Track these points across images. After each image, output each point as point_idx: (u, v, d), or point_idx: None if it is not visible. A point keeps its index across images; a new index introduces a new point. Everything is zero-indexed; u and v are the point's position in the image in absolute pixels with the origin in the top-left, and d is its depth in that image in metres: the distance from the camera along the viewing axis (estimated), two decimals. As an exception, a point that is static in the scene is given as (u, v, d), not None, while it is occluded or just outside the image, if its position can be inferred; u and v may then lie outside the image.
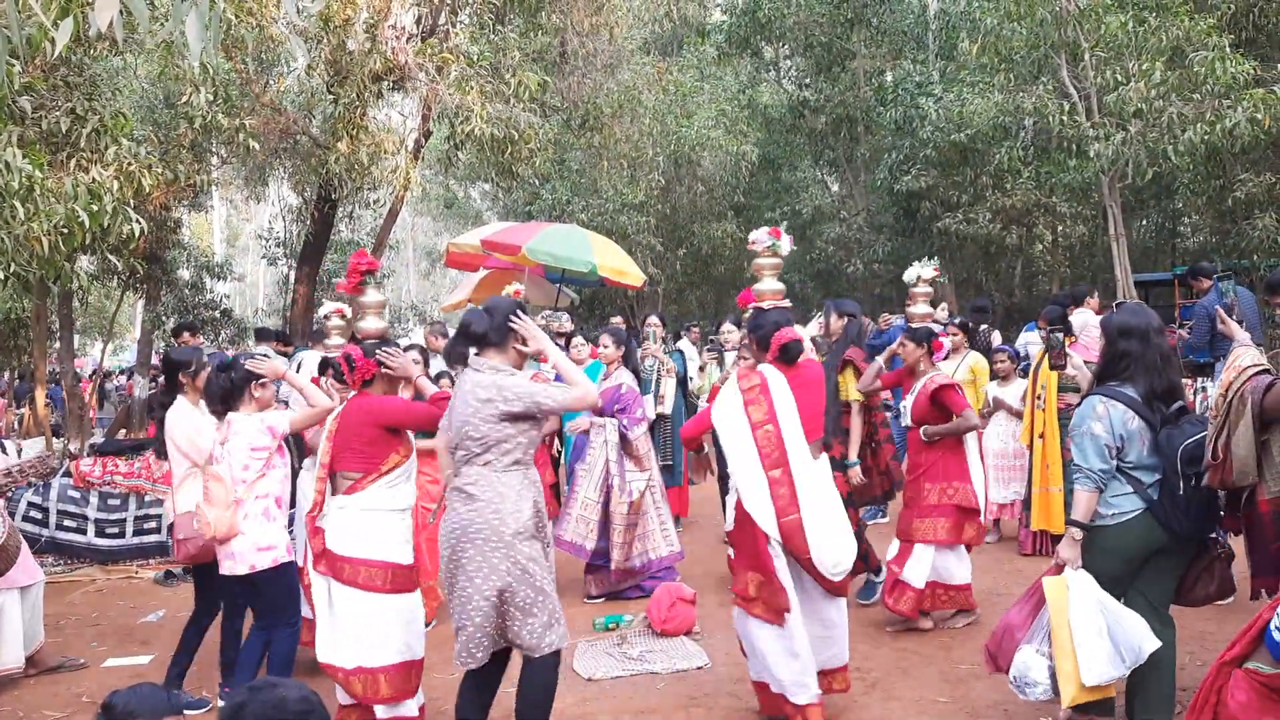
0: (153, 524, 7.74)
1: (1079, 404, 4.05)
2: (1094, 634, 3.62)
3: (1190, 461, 3.68)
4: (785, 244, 5.01)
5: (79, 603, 6.97)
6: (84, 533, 7.73)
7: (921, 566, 5.42)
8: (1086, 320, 8.80)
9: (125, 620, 6.49)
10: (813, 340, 5.61)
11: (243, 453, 4.43)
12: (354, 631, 4.08)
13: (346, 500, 4.18)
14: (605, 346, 6.67)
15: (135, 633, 6.21)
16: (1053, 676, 3.73)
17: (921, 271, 6.65)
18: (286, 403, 5.60)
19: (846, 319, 6.11)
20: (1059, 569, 3.83)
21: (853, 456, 5.81)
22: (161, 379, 5.87)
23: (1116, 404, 3.79)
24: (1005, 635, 3.96)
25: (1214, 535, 3.95)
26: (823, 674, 4.22)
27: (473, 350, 3.89)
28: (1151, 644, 3.65)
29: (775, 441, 4.09)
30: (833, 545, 4.08)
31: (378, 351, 4.34)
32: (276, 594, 4.50)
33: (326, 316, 5.99)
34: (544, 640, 3.73)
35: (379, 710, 4.13)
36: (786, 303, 5.00)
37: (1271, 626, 2.98)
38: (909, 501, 5.60)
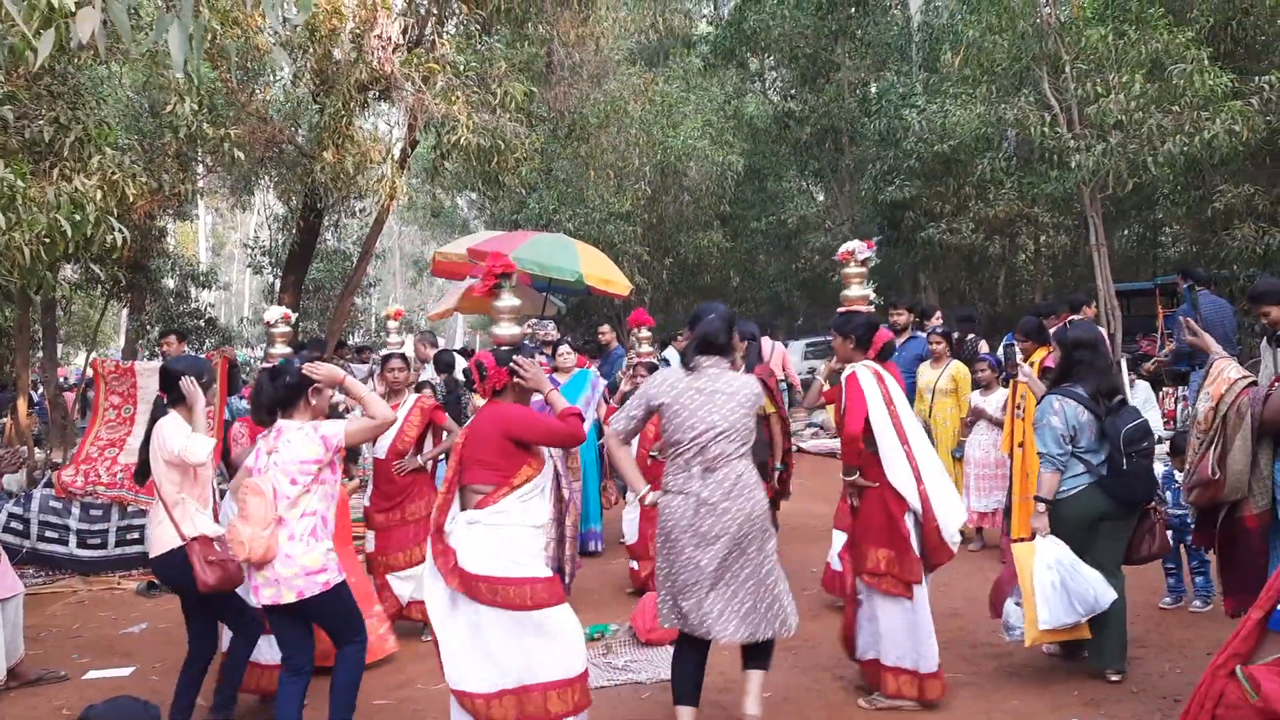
0: (135, 535, 7.69)
1: (1038, 403, 4.79)
2: (1048, 587, 4.43)
3: (1129, 442, 4.49)
4: (872, 255, 5.53)
5: (60, 614, 6.92)
6: (65, 544, 7.67)
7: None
8: None
9: (107, 632, 6.44)
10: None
11: (292, 465, 4.02)
12: (503, 651, 3.84)
13: (477, 515, 3.94)
14: (565, 355, 6.57)
15: (117, 645, 6.17)
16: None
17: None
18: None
19: (747, 342, 6.33)
20: (1031, 536, 4.66)
21: (778, 463, 6.20)
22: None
23: (1069, 401, 4.61)
24: (996, 590, 4.81)
25: (1152, 503, 4.71)
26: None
27: (701, 356, 4.14)
28: (1108, 597, 4.46)
29: (898, 424, 4.54)
30: (950, 515, 4.55)
31: (511, 360, 4.12)
32: (334, 619, 4.14)
33: (272, 323, 5.81)
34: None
35: None
36: (871, 308, 5.37)
37: None
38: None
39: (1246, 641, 2.99)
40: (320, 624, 4.17)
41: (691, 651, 4.14)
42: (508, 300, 4.79)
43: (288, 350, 5.83)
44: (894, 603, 4.50)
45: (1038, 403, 5.11)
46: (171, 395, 4.46)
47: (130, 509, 7.75)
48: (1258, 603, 3.00)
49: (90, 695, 5.08)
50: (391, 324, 7.34)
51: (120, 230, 6.36)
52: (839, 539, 5.67)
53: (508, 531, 3.92)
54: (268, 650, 4.65)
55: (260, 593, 4.00)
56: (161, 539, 4.37)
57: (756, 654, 4.19)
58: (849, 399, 4.57)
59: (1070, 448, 4.59)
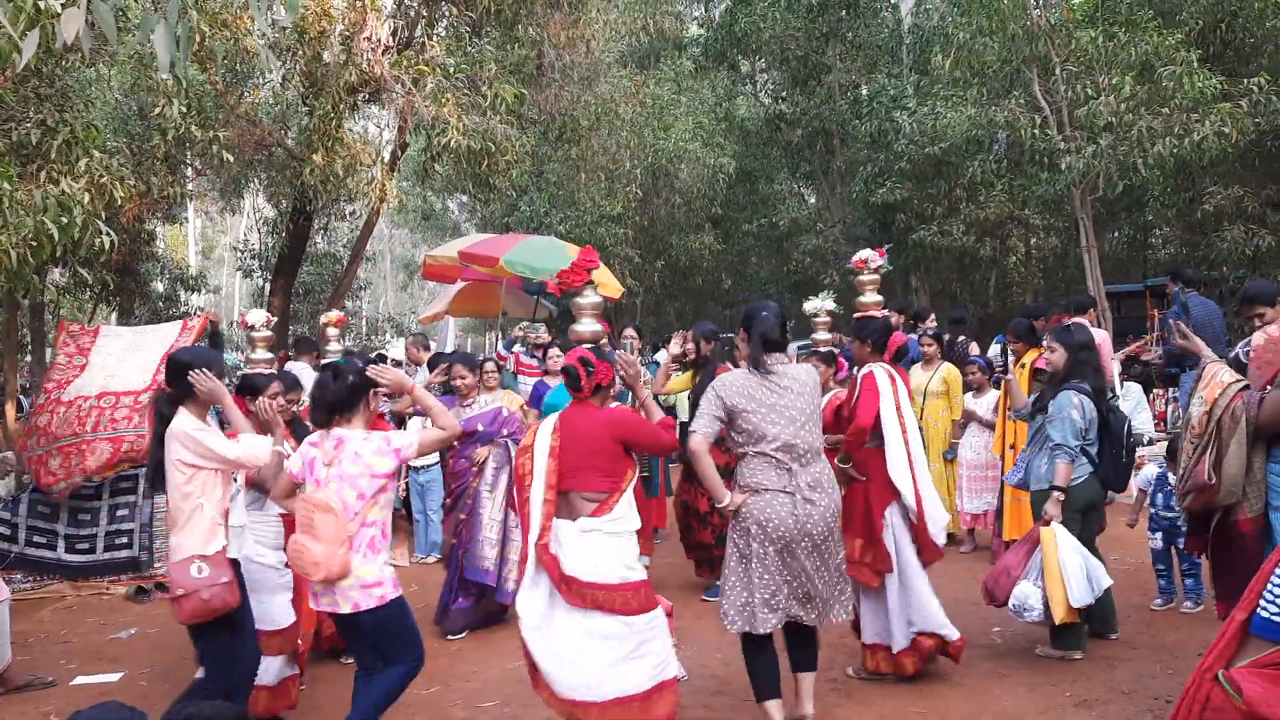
0: (124, 539, 7.65)
1: (1051, 398, 5.11)
2: (1076, 569, 4.80)
3: (1126, 437, 5.07)
4: (884, 262, 5.88)
5: (48, 620, 6.87)
6: (54, 548, 7.63)
7: None
8: None
9: (95, 638, 6.40)
10: (675, 359, 6.30)
11: (362, 479, 3.79)
12: (613, 657, 3.84)
13: (594, 523, 3.89)
14: (463, 377, 6.24)
15: (105, 650, 6.13)
16: (1044, 604, 4.81)
17: (824, 304, 7.01)
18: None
19: (715, 341, 6.58)
20: (1046, 523, 4.92)
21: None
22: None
23: (1085, 397, 5.00)
24: (1003, 575, 4.95)
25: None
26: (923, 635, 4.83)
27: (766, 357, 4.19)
28: (1107, 580, 4.96)
29: (903, 425, 4.82)
30: (936, 516, 4.84)
31: (615, 356, 4.12)
32: (386, 636, 3.89)
33: (254, 326, 5.77)
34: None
35: None
36: (885, 312, 5.73)
37: (1260, 615, 2.96)
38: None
39: (1231, 644, 2.99)
40: (372, 640, 3.90)
41: (764, 647, 4.23)
42: (590, 297, 4.84)
43: (269, 355, 5.77)
44: (865, 588, 4.82)
45: (1028, 409, 5.60)
46: (178, 388, 4.07)
47: (119, 512, 7.69)
48: (1240, 604, 3.00)
49: (78, 701, 5.04)
50: (332, 331, 7.09)
51: (108, 233, 6.32)
52: None
53: (622, 539, 3.94)
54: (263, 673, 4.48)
55: (320, 600, 3.87)
56: (181, 547, 3.99)
57: (805, 656, 4.35)
58: (864, 394, 4.79)
59: (1083, 441, 4.98)
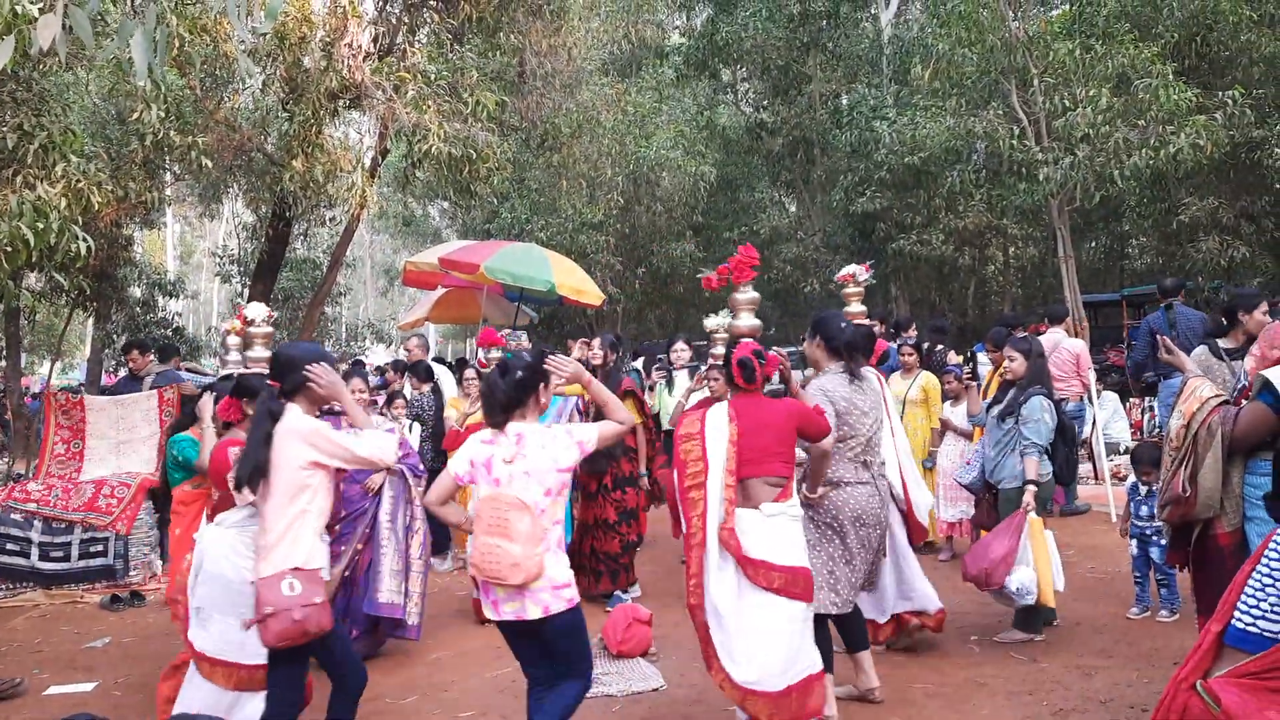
0: (98, 548, 7.56)
1: (1023, 402, 5.50)
2: (1055, 556, 5.37)
3: (1073, 439, 5.77)
4: (869, 277, 6.19)
5: (21, 629, 6.80)
6: (27, 556, 7.52)
7: None
8: (1058, 341, 8.88)
9: (69, 647, 6.33)
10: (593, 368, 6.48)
11: (548, 474, 3.61)
12: (790, 643, 3.98)
13: (780, 508, 4.05)
14: (360, 391, 5.86)
15: (79, 659, 6.06)
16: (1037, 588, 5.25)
17: (724, 321, 7.15)
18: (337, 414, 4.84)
19: (616, 352, 7.03)
20: (1024, 514, 5.34)
21: (643, 470, 6.85)
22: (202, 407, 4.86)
23: (1050, 401, 5.52)
24: (1001, 562, 5.21)
25: None
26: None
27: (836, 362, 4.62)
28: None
29: (889, 420, 5.16)
30: (921, 498, 5.25)
31: (776, 350, 4.32)
32: (571, 641, 3.69)
33: (253, 321, 5.45)
34: None
35: None
36: (868, 322, 5.96)
37: (1235, 625, 2.99)
38: None
39: (1207, 656, 3.01)
40: (555, 647, 3.68)
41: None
42: (748, 293, 5.03)
43: (268, 354, 5.53)
44: None
45: (983, 415, 6.07)
46: (286, 385, 3.81)
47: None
48: (1215, 615, 3.02)
49: (51, 711, 5.00)
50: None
51: (85, 239, 6.27)
52: None
53: (799, 524, 4.18)
54: None
55: (501, 608, 3.60)
56: (274, 559, 3.68)
57: (862, 635, 4.71)
58: (678, 424, 4.99)
59: (1044, 442, 5.45)
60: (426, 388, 8.69)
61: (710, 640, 4.02)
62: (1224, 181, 13.90)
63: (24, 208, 5.91)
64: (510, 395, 3.69)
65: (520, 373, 3.71)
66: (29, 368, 22.54)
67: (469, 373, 8.28)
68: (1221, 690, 2.83)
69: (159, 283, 16.40)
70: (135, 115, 8.84)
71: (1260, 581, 2.86)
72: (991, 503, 5.83)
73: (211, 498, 4.37)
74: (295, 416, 3.74)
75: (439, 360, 12.30)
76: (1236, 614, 2.96)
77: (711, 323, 7.18)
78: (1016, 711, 4.56)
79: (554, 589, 3.59)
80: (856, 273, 5.99)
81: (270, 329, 5.72)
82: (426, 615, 5.90)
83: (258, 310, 5.63)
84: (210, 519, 4.32)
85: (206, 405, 4.82)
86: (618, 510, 6.68)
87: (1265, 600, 2.85)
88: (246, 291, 15.52)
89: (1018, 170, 13.91)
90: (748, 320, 4.98)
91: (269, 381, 3.92)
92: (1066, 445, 5.65)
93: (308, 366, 3.78)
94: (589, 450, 3.74)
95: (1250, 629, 2.88)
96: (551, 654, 3.69)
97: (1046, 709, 4.56)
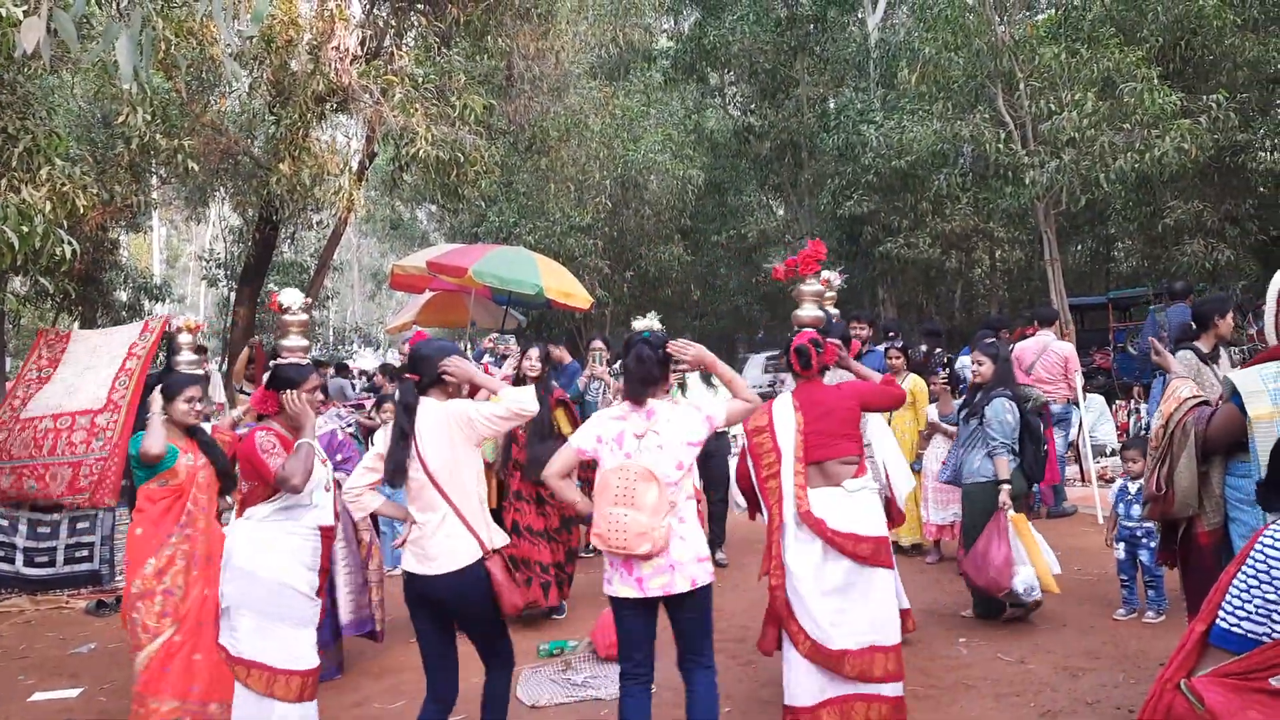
0: (84, 553, 7.53)
1: (985, 404, 5.76)
2: (1043, 543, 5.59)
3: (1039, 437, 5.89)
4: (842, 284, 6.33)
5: (6, 634, 6.75)
6: (12, 561, 7.49)
7: None
8: (1047, 344, 8.88)
9: (54, 652, 6.29)
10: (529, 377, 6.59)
11: (680, 447, 3.71)
12: (878, 613, 4.20)
13: (860, 483, 4.28)
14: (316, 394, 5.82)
15: (64, 665, 6.02)
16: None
17: (651, 323, 7.14)
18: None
19: (547, 363, 6.98)
20: (1004, 513, 5.52)
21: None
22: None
23: (1012, 402, 5.76)
24: (1005, 567, 5.39)
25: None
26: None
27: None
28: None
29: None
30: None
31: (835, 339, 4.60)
32: (706, 618, 3.79)
33: (289, 308, 5.25)
34: None
35: (886, 689, 4.19)
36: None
37: (1219, 625, 3.01)
38: None
39: (1191, 656, 3.02)
40: (688, 625, 3.76)
41: None
42: (813, 285, 5.16)
43: (304, 342, 5.39)
44: None
45: (954, 415, 6.35)
46: (424, 379, 3.89)
47: (80, 525, 7.58)
48: (1200, 615, 3.04)
49: (37, 717, 4.96)
50: (184, 338, 5.65)
51: (70, 242, 6.24)
52: None
53: (879, 496, 4.41)
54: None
55: (648, 584, 3.65)
56: (456, 551, 3.70)
57: None
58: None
59: (1009, 440, 5.70)
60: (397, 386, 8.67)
61: (793, 617, 4.21)
62: (1208, 185, 13.98)
63: (8, 211, 5.87)
64: (661, 371, 3.84)
65: (663, 351, 3.86)
66: (13, 372, 22.37)
67: None
68: (1205, 690, 2.84)
69: (145, 287, 16.34)
70: (121, 118, 8.81)
71: (1245, 583, 2.88)
72: None
73: (241, 490, 4.22)
74: (443, 406, 3.82)
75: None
76: (1221, 614, 2.98)
77: (640, 324, 7.14)
78: (1004, 713, 4.57)
79: (699, 561, 3.71)
80: (832, 279, 6.04)
81: (305, 316, 5.51)
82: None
83: (292, 296, 5.45)
84: (239, 513, 4.18)
85: (156, 399, 4.73)
86: (561, 518, 6.51)
87: (1250, 602, 2.88)
88: (233, 295, 15.47)
89: (1004, 174, 13.96)
90: (810, 311, 5.10)
91: (406, 375, 3.98)
92: (1034, 443, 5.84)
93: (443, 361, 3.88)
94: (718, 425, 3.85)
95: (1234, 629, 2.89)
96: (680, 631, 3.78)
97: (1034, 710, 4.57)
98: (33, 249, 6.03)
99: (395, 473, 3.73)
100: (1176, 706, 2.93)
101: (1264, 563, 2.78)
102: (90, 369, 7.78)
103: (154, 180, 11.81)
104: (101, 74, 9.64)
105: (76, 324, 15.63)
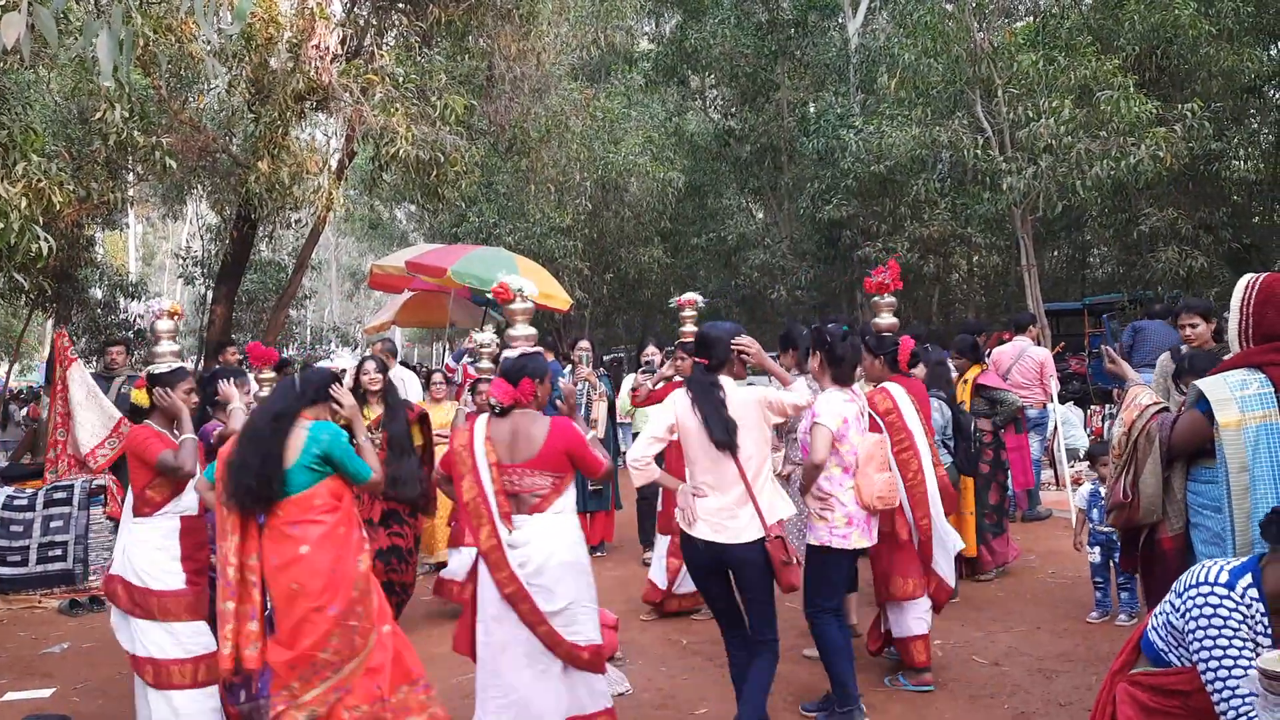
0: (56, 552, 7.45)
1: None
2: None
3: (969, 434, 6.44)
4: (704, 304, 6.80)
5: (-23, 634, 6.69)
6: (-17, 561, 7.42)
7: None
8: (1024, 349, 8.96)
9: (26, 652, 6.23)
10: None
11: (864, 421, 4.59)
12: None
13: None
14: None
15: (37, 665, 5.97)
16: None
17: (488, 338, 7.05)
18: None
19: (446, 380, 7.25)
20: None
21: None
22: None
23: (943, 402, 6.26)
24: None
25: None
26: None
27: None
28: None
29: None
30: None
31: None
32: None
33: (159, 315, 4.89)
34: None
35: None
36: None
37: (1148, 631, 3.12)
38: None
39: (1131, 655, 3.19)
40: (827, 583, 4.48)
41: None
42: (887, 297, 5.68)
43: (175, 347, 5.35)
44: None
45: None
46: (714, 361, 4.10)
47: (53, 524, 7.51)
48: (1148, 616, 3.18)
49: (8, 717, 4.92)
50: (164, 324, 4.97)
51: (45, 239, 6.19)
52: (663, 542, 6.35)
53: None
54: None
55: (852, 539, 4.42)
56: (774, 509, 3.99)
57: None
58: None
59: (943, 436, 6.11)
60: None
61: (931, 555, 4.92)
62: (1183, 193, 14.15)
63: (-17, 207, 5.82)
64: (856, 357, 4.59)
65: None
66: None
67: (437, 377, 8.30)
68: (1121, 704, 3.02)
69: (121, 284, 16.18)
70: (98, 114, 8.73)
71: (1171, 604, 3.00)
72: None
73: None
74: (748, 389, 4.12)
75: (405, 364, 12.23)
76: (1151, 622, 3.10)
77: (481, 337, 7.01)
78: (978, 714, 4.61)
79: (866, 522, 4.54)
80: (695, 299, 6.67)
81: (530, 305, 5.71)
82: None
83: (524, 285, 5.62)
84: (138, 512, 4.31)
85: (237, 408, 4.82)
86: (417, 542, 6.30)
87: (1162, 629, 3.05)
88: (210, 294, 15.36)
89: (982, 179, 14.07)
90: (886, 319, 5.69)
91: (697, 359, 4.21)
92: (964, 440, 6.35)
93: (733, 341, 4.11)
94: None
95: (1155, 640, 3.03)
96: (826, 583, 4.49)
97: (1008, 712, 4.61)
98: (8, 245, 5.99)
99: (729, 438, 3.94)
100: (1120, 694, 3.10)
101: (1193, 600, 2.88)
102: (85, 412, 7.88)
103: (131, 177, 11.70)
104: (79, 70, 9.54)
105: (51, 322, 15.50)
